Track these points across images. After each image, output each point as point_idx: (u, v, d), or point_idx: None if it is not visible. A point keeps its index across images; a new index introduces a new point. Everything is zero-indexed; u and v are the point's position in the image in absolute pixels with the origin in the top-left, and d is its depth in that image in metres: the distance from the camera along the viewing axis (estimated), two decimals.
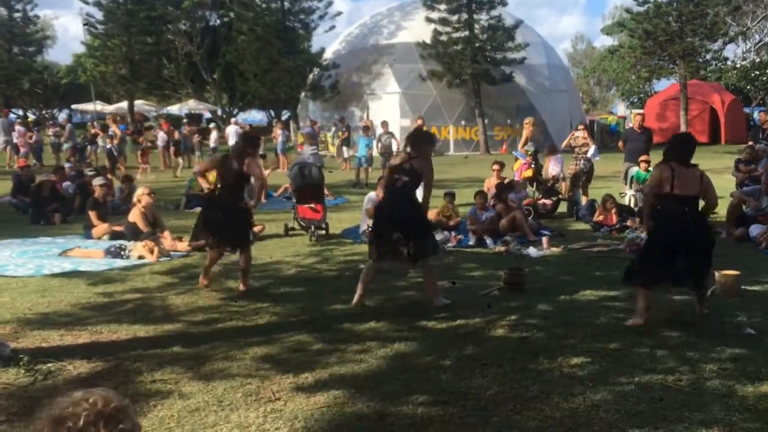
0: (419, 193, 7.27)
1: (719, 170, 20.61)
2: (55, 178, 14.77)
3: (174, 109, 47.07)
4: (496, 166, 14.29)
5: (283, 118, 38.73)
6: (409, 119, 33.08)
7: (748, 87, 42.44)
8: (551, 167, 14.50)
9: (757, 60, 44.48)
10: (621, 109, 54.34)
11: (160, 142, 27.43)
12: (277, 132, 25.64)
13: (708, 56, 34.54)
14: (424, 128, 16.40)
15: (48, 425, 1.74)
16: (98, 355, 5.46)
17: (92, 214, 11.60)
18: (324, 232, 11.48)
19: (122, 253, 9.69)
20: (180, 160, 24.78)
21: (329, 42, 40.94)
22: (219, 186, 8.12)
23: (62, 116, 48.58)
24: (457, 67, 33.57)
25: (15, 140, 25.14)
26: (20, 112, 50.45)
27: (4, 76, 41.29)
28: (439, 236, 10.88)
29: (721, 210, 12.39)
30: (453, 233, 11.16)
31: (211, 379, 4.96)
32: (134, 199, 11.20)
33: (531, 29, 38.70)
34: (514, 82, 34.51)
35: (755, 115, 38.24)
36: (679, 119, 33.38)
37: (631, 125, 18.39)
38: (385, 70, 35.30)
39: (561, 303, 7.12)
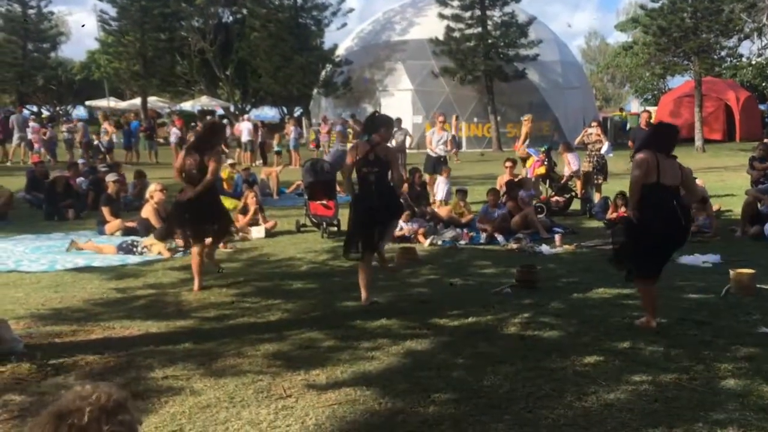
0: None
1: (734, 168, 20.47)
2: (69, 174, 14.84)
3: (187, 105, 47.17)
4: (508, 163, 14.25)
5: (296, 114, 38.77)
6: (421, 116, 33.07)
7: (764, 84, 42.04)
8: (571, 163, 14.37)
9: None
10: (635, 106, 54.06)
11: (173, 138, 27.52)
12: (290, 129, 25.65)
13: (723, 53, 34.21)
14: (441, 124, 16.29)
15: (51, 421, 1.74)
16: (110, 351, 5.48)
17: (105, 210, 11.66)
18: (336, 228, 11.48)
19: (134, 249, 9.71)
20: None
21: (342, 39, 40.99)
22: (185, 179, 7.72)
23: (76, 113, 48.89)
24: (470, 63, 33.47)
25: (29, 136, 25.27)
26: (34, 109, 50.69)
27: (19, 73, 41.51)
28: (451, 233, 10.89)
29: (736, 208, 12.32)
30: (465, 230, 11.14)
31: (222, 375, 4.96)
32: (147, 195, 11.24)
33: (544, 25, 38.54)
34: (527, 79, 34.37)
35: None
36: (693, 116, 33.13)
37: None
38: (398, 67, 35.26)
39: (574, 301, 7.08)
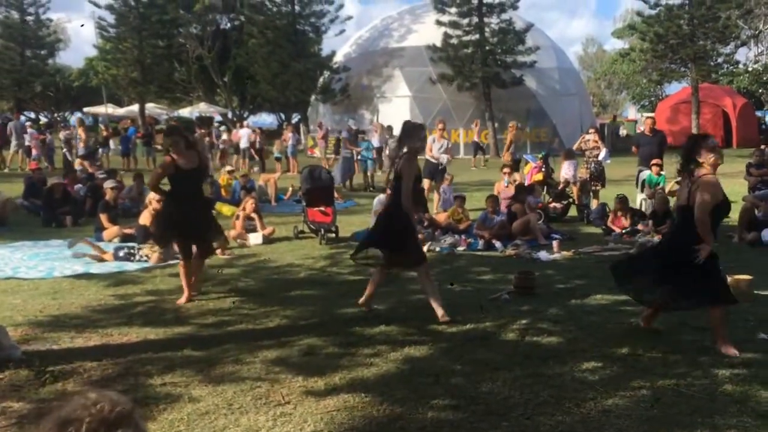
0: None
1: (731, 174, 20.51)
2: (66, 181, 14.83)
3: (185, 112, 47.16)
4: (506, 170, 14.30)
5: (294, 121, 38.79)
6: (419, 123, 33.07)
7: (760, 90, 42.19)
8: (564, 170, 14.44)
9: None
10: (632, 112, 54.19)
11: None
12: (288, 135, 25.66)
13: (720, 59, 34.35)
14: (441, 132, 16.25)
15: (53, 428, 1.73)
16: (109, 358, 5.47)
17: (103, 217, 11.66)
18: (334, 235, 11.49)
19: (131, 257, 9.69)
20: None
21: (339, 45, 41.06)
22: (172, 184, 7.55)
23: (73, 119, 48.84)
24: (468, 70, 33.54)
25: (27, 143, 25.26)
26: (32, 115, 50.71)
27: (17, 79, 41.55)
28: (449, 239, 10.90)
29: (734, 214, 12.34)
30: (463, 236, 11.14)
31: (221, 382, 4.96)
32: (146, 201, 11.24)
33: (541, 32, 38.63)
34: (525, 86, 34.43)
35: (767, 118, 38.13)
36: (690, 123, 33.21)
37: (642, 129, 18.32)
38: (396, 73, 35.31)
39: (572, 307, 7.09)
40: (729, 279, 7.48)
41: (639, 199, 13.73)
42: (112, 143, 28.96)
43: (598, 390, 4.77)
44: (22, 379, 5.04)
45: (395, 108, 33.82)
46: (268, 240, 11.31)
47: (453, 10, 34.11)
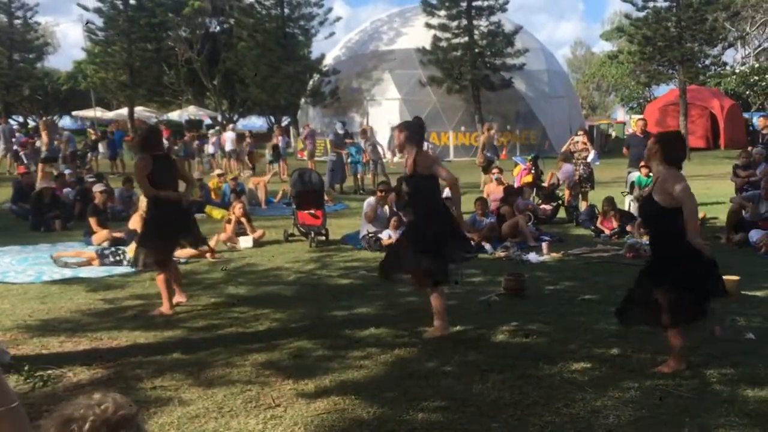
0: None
1: (719, 175, 20.65)
2: (55, 185, 14.78)
3: (174, 115, 47.09)
4: (495, 171, 14.35)
5: (283, 124, 38.75)
6: None
7: (747, 92, 42.44)
8: (562, 171, 14.40)
9: (756, 65, 44.49)
10: (620, 114, 54.39)
11: None
12: (278, 138, 25.64)
13: (707, 61, 34.51)
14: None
15: (56, 426, 1.74)
16: (98, 362, 5.46)
17: (92, 221, 11.62)
18: (324, 238, 11.49)
19: (118, 261, 9.64)
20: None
21: (329, 48, 41.02)
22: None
23: (62, 124, 48.69)
24: (457, 73, 33.58)
25: (15, 147, 25.14)
26: (20, 119, 50.45)
27: (5, 83, 41.29)
28: None
29: (721, 215, 12.43)
30: None
31: (211, 385, 4.96)
32: (139, 205, 11.18)
33: (530, 35, 38.75)
34: (514, 88, 34.52)
35: (754, 120, 38.31)
36: (678, 124, 33.37)
37: (632, 130, 18.42)
38: (385, 76, 35.33)
39: (561, 308, 7.12)
40: None
41: (627, 201, 13.81)
42: (101, 147, 28.82)
43: (588, 391, 4.80)
44: (11, 383, 4.99)
45: (385, 111, 33.85)
46: (258, 243, 11.30)
47: (442, 12, 34.15)
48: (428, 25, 33.95)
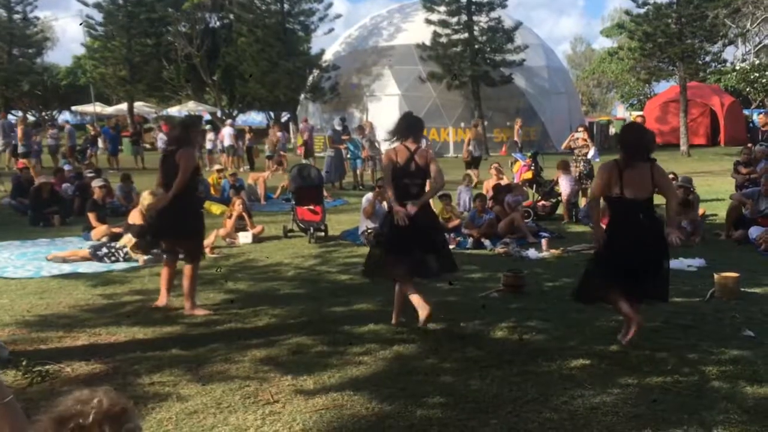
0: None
1: (719, 172, 20.65)
2: (54, 180, 14.76)
3: (174, 110, 46.94)
4: (493, 170, 14.34)
5: (283, 119, 38.71)
6: None
7: (748, 89, 42.38)
8: (563, 187, 14.21)
9: (757, 62, 44.41)
10: (620, 111, 54.38)
11: (159, 144, 27.45)
12: (276, 134, 25.61)
13: (707, 58, 34.41)
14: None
15: (51, 426, 1.73)
16: (97, 357, 5.46)
17: (91, 216, 11.61)
18: (323, 233, 11.48)
19: (111, 256, 9.62)
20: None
21: (329, 44, 40.98)
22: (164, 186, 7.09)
23: (62, 118, 48.65)
24: (457, 68, 33.54)
25: (14, 142, 25.10)
26: (20, 114, 50.43)
27: (4, 78, 41.23)
28: None
29: (721, 212, 12.42)
30: (452, 235, 11.15)
31: (209, 381, 4.95)
32: (141, 200, 11.15)
33: (530, 31, 38.70)
34: (514, 84, 34.47)
35: (754, 117, 38.33)
36: (678, 121, 33.35)
37: None
38: (385, 72, 35.28)
39: (560, 305, 7.10)
40: (716, 276, 7.55)
41: None
42: (100, 142, 28.80)
43: (587, 387, 4.79)
44: (9, 379, 5.00)
45: (385, 106, 33.80)
46: (257, 239, 11.29)
47: (442, 8, 34.09)
48: (428, 21, 33.89)
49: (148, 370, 5.18)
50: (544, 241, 10.61)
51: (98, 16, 39.17)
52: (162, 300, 7.10)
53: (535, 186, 14.74)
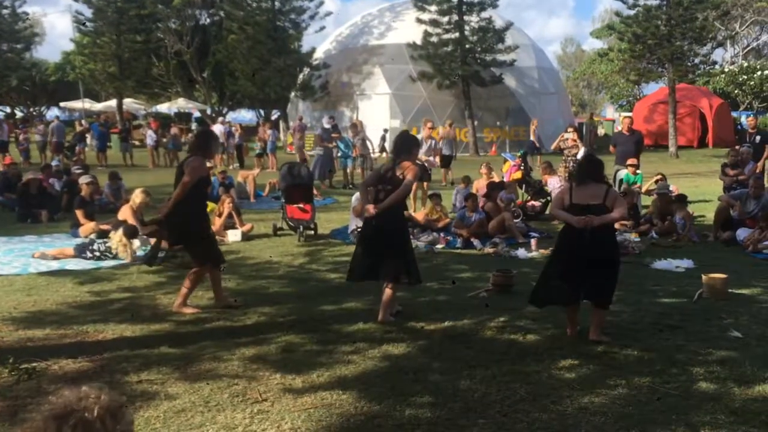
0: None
1: (707, 174, 20.75)
2: (42, 176, 14.67)
3: (163, 107, 46.78)
4: (484, 169, 14.34)
5: (273, 117, 38.62)
6: (398, 120, 33.07)
7: (736, 91, 42.62)
8: (551, 185, 14.30)
9: (745, 64, 44.68)
10: (609, 112, 54.55)
11: (149, 141, 27.34)
12: (267, 132, 25.53)
13: (696, 60, 34.59)
14: (429, 131, 16.06)
15: (50, 424, 1.71)
16: (84, 355, 5.43)
17: (79, 213, 11.53)
18: (313, 232, 11.46)
19: (95, 253, 9.54)
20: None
21: (320, 42, 40.91)
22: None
23: (50, 114, 48.30)
24: (447, 68, 33.57)
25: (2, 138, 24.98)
26: (7, 110, 50.11)
27: None
28: (428, 237, 10.91)
29: (709, 213, 12.48)
30: (442, 234, 11.16)
31: (198, 379, 4.93)
32: (132, 198, 11.10)
33: (521, 31, 38.76)
34: (504, 84, 34.55)
35: (743, 119, 38.57)
36: (667, 123, 33.49)
37: (620, 128, 18.44)
38: (376, 71, 35.27)
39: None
40: (704, 277, 7.59)
41: None
42: (88, 138, 28.64)
43: (575, 387, 4.80)
44: None
45: (375, 105, 33.81)
46: (246, 237, 11.26)
47: (433, 8, 34.10)
48: (419, 20, 33.89)
49: (136, 368, 5.16)
50: (533, 241, 10.64)
51: (88, 12, 38.99)
52: (218, 299, 7.07)
53: (524, 186, 14.77)
